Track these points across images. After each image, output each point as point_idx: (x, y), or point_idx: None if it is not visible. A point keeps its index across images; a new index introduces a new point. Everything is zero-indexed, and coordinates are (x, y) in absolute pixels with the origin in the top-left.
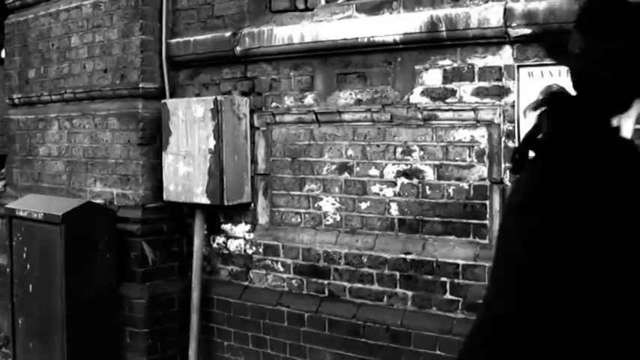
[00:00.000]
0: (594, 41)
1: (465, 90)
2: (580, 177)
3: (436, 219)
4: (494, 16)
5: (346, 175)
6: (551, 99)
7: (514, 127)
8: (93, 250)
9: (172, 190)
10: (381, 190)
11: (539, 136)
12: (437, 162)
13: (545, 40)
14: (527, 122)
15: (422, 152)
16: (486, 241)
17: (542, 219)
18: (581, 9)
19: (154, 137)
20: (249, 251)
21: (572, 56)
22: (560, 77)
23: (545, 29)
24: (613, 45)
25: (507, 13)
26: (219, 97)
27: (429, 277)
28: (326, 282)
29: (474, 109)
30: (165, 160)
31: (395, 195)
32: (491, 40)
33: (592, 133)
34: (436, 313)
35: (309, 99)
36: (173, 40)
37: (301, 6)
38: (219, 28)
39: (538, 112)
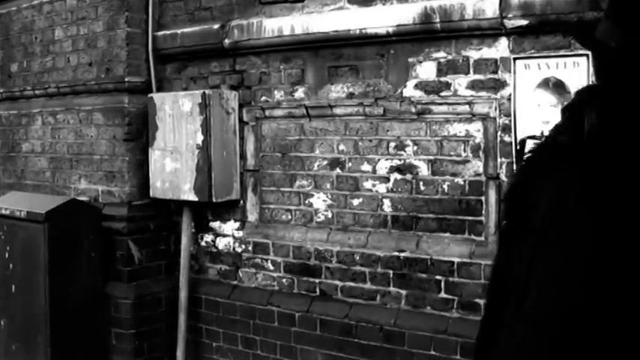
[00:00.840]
0: (631, 38)
1: (459, 83)
2: None
3: (430, 215)
4: (489, 7)
5: (338, 170)
6: (590, 94)
7: (510, 120)
8: (77, 249)
9: (159, 187)
10: (374, 186)
11: (586, 133)
12: (431, 157)
13: (575, 30)
14: (523, 116)
15: (415, 147)
16: (482, 238)
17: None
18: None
19: (140, 132)
20: (239, 249)
21: (606, 48)
22: (558, 70)
23: (568, 20)
24: None
25: (503, 4)
26: (207, 91)
27: (424, 275)
28: (317, 281)
29: (469, 103)
30: (151, 156)
31: (388, 191)
32: (487, 32)
33: None
34: (431, 313)
35: (300, 93)
36: (160, 33)
37: None
38: (207, 20)
39: (573, 107)
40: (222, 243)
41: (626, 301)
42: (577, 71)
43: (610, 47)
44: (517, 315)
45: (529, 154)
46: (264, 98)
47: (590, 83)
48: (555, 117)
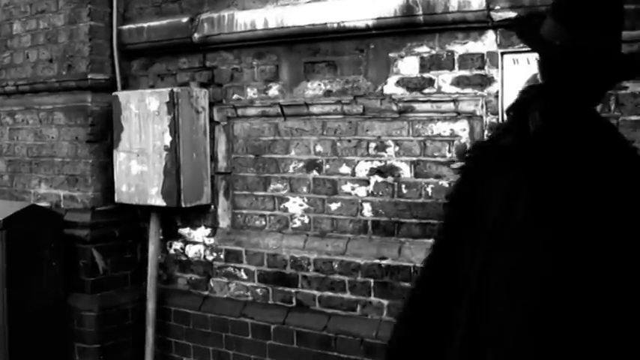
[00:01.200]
0: (580, 37)
1: (444, 79)
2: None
3: (413, 220)
4: None
5: (315, 173)
6: (533, 93)
7: (498, 119)
8: (37, 258)
9: (125, 192)
10: (353, 189)
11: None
12: (414, 158)
13: (519, 27)
14: None
15: (397, 148)
16: None
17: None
18: (560, 2)
19: (105, 133)
20: (210, 257)
21: (552, 47)
22: None
23: (518, 17)
24: (598, 43)
25: None
26: (175, 89)
27: (406, 284)
28: (293, 291)
29: (454, 100)
30: (116, 158)
31: (368, 195)
32: (473, 25)
33: (595, 128)
34: None
35: (274, 90)
36: (125, 27)
37: None
38: (175, 14)
39: (514, 107)
40: (192, 251)
41: (581, 309)
42: None
43: (555, 46)
44: (482, 337)
45: (470, 155)
46: (236, 96)
47: (535, 82)
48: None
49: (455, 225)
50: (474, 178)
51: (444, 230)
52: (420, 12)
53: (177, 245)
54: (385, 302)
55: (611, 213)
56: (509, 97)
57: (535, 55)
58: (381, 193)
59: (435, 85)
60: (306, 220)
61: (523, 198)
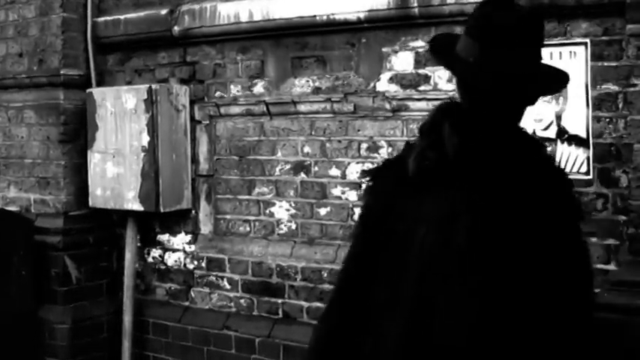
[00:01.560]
0: (488, 52)
1: (440, 76)
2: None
3: None
4: None
5: (302, 176)
6: (448, 111)
7: None
8: (6, 266)
9: (100, 195)
10: (344, 193)
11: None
12: None
13: (435, 44)
14: None
15: (390, 149)
16: None
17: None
18: (471, 15)
19: (78, 133)
20: (190, 266)
21: (464, 64)
22: (552, 60)
23: (436, 36)
24: (507, 57)
25: None
26: (154, 86)
27: None
28: (280, 301)
29: (451, 99)
30: (91, 159)
31: (359, 199)
32: None
33: (511, 143)
34: None
35: (260, 87)
36: (100, 19)
37: None
38: (153, 5)
39: (430, 124)
40: (171, 259)
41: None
42: (574, 62)
43: (468, 62)
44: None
45: (379, 175)
46: (218, 94)
47: (450, 100)
48: (549, 114)
49: (367, 245)
50: (386, 199)
51: (354, 253)
52: (415, 4)
53: (155, 253)
54: None
55: (540, 238)
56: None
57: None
58: None
59: (431, 82)
60: (294, 226)
61: (463, 222)
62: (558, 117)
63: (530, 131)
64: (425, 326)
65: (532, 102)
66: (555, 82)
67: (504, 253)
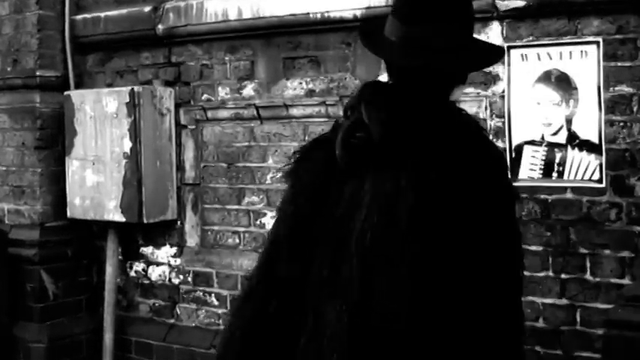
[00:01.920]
0: (410, 29)
1: None
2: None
3: None
4: None
5: None
6: (372, 90)
7: (504, 122)
8: None
9: (78, 205)
10: None
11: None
12: None
13: (364, 29)
14: (519, 116)
15: None
16: None
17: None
18: None
19: (55, 138)
20: (176, 281)
21: (388, 44)
22: (562, 60)
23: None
24: (429, 32)
25: None
26: (136, 88)
27: None
28: None
29: (454, 101)
30: (69, 167)
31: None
32: (476, 16)
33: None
34: None
35: (249, 90)
36: (79, 17)
37: None
38: (136, 2)
39: (355, 105)
40: (155, 273)
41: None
42: (585, 62)
43: (392, 42)
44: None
45: (308, 154)
46: (205, 96)
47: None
48: (559, 118)
49: (299, 226)
50: (317, 180)
51: (286, 233)
52: None
53: (138, 266)
54: None
55: (474, 222)
56: (517, 97)
57: (546, 50)
58: None
59: None
60: None
61: (404, 204)
62: (568, 121)
63: (539, 135)
64: (365, 308)
65: (462, 79)
66: (484, 57)
67: (443, 235)
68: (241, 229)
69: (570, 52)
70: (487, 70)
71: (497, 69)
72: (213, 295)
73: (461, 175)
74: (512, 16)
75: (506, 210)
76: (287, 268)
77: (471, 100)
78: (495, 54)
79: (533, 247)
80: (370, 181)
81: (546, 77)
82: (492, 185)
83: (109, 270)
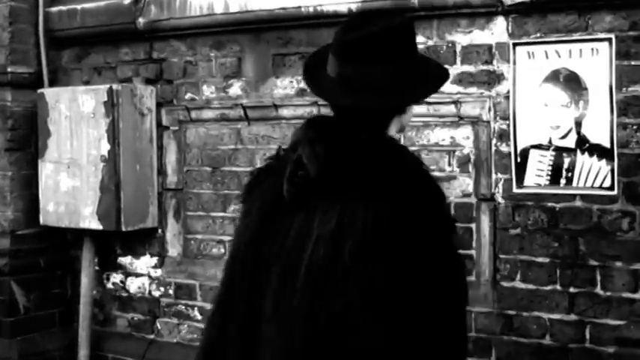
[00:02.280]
0: (345, 68)
1: None
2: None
3: None
4: None
5: None
6: (315, 126)
7: (508, 125)
8: None
9: (52, 212)
10: None
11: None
12: None
13: (309, 62)
14: (525, 119)
15: None
16: (472, 278)
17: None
18: (336, 33)
19: (28, 140)
20: (156, 293)
21: (326, 82)
22: (571, 59)
23: (314, 52)
24: (362, 72)
25: None
26: (115, 86)
27: None
28: None
29: (456, 102)
30: (42, 170)
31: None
32: (479, 10)
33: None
34: None
35: (236, 88)
36: (54, 9)
37: None
38: None
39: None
40: (134, 285)
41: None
42: (596, 60)
43: (331, 79)
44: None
45: (256, 180)
46: (189, 95)
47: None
48: (568, 120)
49: (248, 260)
50: (267, 211)
51: (239, 269)
52: None
53: (116, 278)
54: None
55: (414, 254)
56: (523, 98)
57: (555, 48)
58: None
59: None
60: None
61: (349, 238)
62: (578, 123)
63: (546, 139)
64: (306, 339)
65: (399, 111)
66: (420, 90)
67: (384, 268)
68: (227, 238)
69: (580, 50)
70: (491, 68)
71: (502, 67)
72: (196, 308)
73: (399, 207)
74: (518, 11)
75: (443, 238)
76: (237, 301)
77: (473, 101)
78: (434, 83)
79: (540, 259)
80: (317, 216)
81: (554, 77)
82: (430, 215)
83: (85, 281)
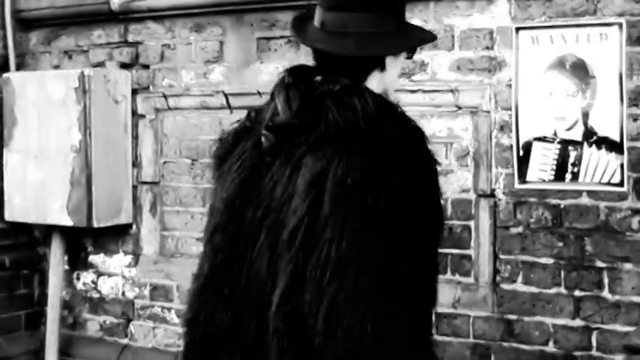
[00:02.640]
0: (328, 16)
1: (440, 63)
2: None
3: None
4: None
5: None
6: (293, 74)
7: (510, 115)
8: None
9: (18, 206)
10: None
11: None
12: None
13: (297, 17)
14: (528, 108)
15: None
16: (470, 280)
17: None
18: None
19: None
20: (130, 294)
21: (311, 31)
22: (578, 44)
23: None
24: (347, 19)
25: None
26: (86, 71)
27: None
28: None
29: (453, 91)
30: (7, 161)
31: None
32: None
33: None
34: None
35: (217, 74)
36: None
37: None
38: None
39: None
40: (107, 285)
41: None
42: (605, 46)
43: (315, 28)
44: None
45: (229, 148)
46: (167, 81)
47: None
48: (574, 111)
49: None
50: (249, 170)
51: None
52: None
53: (87, 278)
54: None
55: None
56: (526, 86)
57: (561, 32)
58: None
59: (429, 71)
60: None
61: (329, 189)
62: (585, 114)
63: (551, 131)
64: (295, 298)
65: (379, 64)
66: (402, 43)
67: (360, 216)
68: None
69: (588, 35)
70: (492, 54)
71: (504, 53)
72: (173, 311)
73: (378, 155)
74: None
75: (426, 181)
76: (229, 270)
77: (472, 90)
78: (418, 39)
79: (543, 260)
80: (301, 170)
81: (560, 64)
82: (410, 159)
83: (53, 281)
